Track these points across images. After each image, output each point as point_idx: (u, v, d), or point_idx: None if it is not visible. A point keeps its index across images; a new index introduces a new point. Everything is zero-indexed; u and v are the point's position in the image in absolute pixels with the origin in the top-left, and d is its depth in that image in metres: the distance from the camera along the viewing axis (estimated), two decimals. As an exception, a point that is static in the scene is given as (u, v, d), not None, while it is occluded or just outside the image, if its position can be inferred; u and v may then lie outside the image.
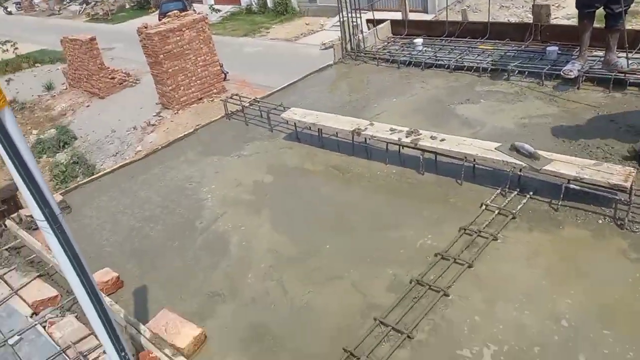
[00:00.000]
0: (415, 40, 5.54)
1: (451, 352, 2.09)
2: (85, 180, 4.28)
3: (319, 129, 3.90)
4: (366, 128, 3.59)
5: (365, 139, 3.60)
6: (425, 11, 16.86)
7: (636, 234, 2.51)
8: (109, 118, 13.05)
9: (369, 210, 3.12)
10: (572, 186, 2.75)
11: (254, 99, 4.81)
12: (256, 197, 3.48)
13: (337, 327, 2.30)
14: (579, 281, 2.33)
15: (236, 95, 4.88)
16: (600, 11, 3.91)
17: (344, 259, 2.74)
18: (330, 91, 5.13)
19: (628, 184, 2.54)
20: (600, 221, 2.65)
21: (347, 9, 5.51)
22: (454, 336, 2.16)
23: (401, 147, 3.46)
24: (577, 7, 4.02)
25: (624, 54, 4.05)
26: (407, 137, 3.38)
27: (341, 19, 5.56)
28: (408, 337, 2.18)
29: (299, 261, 2.79)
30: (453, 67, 4.85)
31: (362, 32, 5.74)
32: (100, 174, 4.33)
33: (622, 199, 2.62)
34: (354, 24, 5.58)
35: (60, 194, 3.90)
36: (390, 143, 3.47)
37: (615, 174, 2.64)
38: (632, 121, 3.42)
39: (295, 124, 4.07)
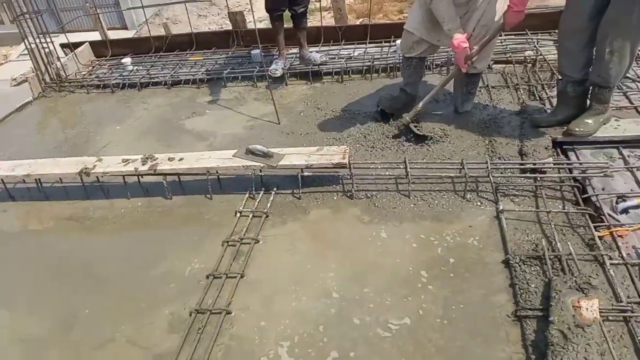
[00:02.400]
0: (124, 60, 5.25)
1: (249, 367, 2.10)
2: None
3: (36, 179, 3.34)
4: (94, 165, 3.23)
5: (97, 177, 3.26)
6: (125, 27, 16.16)
7: (362, 200, 2.96)
8: None
9: (122, 254, 2.84)
10: (306, 173, 3.06)
11: None
12: (-28, 283, 2.78)
13: (124, 396, 2.05)
14: (333, 254, 2.62)
15: None
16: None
17: (110, 316, 2.43)
18: (38, 132, 4.43)
19: (346, 161, 2.96)
20: (335, 197, 3.03)
21: (32, 34, 4.81)
22: (248, 350, 2.17)
23: (140, 177, 3.26)
24: (266, 10, 4.42)
25: (315, 49, 4.74)
26: (143, 164, 3.19)
27: (28, 47, 4.83)
28: (204, 371, 2.09)
29: (55, 340, 2.35)
30: (170, 82, 4.78)
31: (59, 59, 5.12)
32: None
33: (346, 174, 3.05)
34: (46, 50, 4.93)
35: None
36: (127, 175, 3.23)
37: (335, 154, 3.04)
38: (333, 105, 3.99)
39: (2, 180, 3.38)
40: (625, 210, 2.47)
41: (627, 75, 3.51)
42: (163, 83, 4.80)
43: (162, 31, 8.89)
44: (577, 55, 2.81)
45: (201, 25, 17.76)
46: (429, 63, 4.16)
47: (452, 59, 3.97)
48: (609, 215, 2.45)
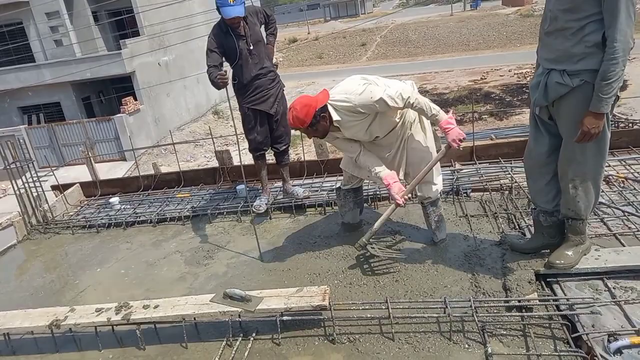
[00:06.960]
0: (112, 200, 5.35)
1: None
2: None
3: (4, 333, 3.19)
4: (66, 317, 3.11)
5: (70, 329, 3.11)
6: (124, 159, 16.86)
7: (345, 344, 2.81)
8: None
9: (86, 419, 2.61)
10: (285, 318, 2.93)
11: None
12: None
13: None
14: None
15: None
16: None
17: None
18: (17, 277, 4.35)
19: (326, 302, 2.86)
20: (316, 342, 2.87)
21: (23, 177, 4.96)
22: None
23: (114, 327, 3.12)
24: (249, 151, 4.62)
25: (299, 182, 4.88)
26: (117, 313, 3.07)
27: (17, 192, 4.94)
28: None
29: None
30: (156, 220, 4.82)
31: (47, 201, 5.22)
32: None
33: (327, 317, 2.93)
34: (35, 195, 5.04)
35: None
36: (100, 325, 3.09)
37: (315, 295, 2.94)
38: (315, 239, 3.97)
39: (-32, 336, 3.22)
40: (618, 351, 2.33)
41: (601, 201, 3.58)
42: (149, 221, 4.83)
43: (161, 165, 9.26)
44: (545, 189, 2.86)
45: (197, 153, 18.60)
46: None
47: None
48: (602, 357, 2.30)
